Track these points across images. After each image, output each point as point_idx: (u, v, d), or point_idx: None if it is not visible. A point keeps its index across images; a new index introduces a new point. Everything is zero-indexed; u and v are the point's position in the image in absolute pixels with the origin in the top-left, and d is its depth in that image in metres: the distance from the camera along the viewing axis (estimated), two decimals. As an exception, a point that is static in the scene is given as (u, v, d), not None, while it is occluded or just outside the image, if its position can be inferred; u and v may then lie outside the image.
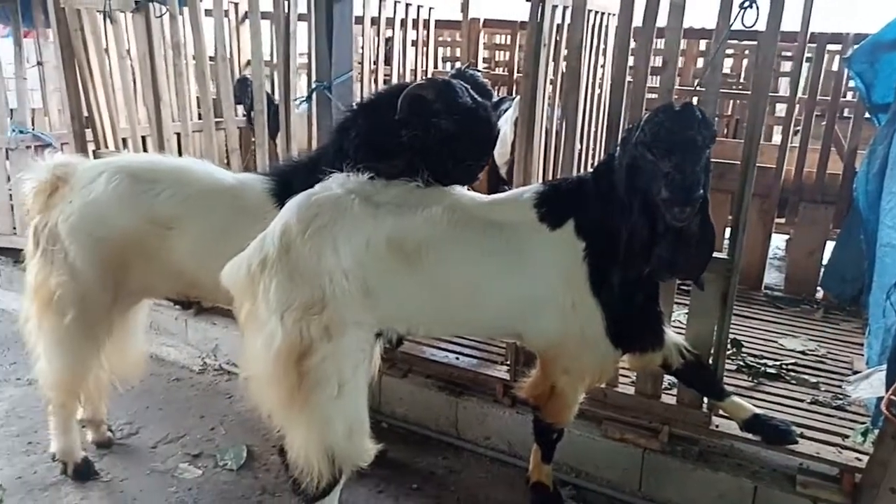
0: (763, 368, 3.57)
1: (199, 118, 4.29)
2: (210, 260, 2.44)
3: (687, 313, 2.94)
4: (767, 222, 4.82)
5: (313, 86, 3.34)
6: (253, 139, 5.13)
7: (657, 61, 3.67)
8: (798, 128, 5.32)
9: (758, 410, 2.79)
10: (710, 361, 2.87)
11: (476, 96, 2.54)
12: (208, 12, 4.39)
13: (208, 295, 2.83)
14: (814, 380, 3.51)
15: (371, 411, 2.47)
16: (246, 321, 2.37)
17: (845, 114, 5.83)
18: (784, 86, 7.68)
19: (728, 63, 8.30)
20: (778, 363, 3.66)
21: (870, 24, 4.61)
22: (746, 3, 2.46)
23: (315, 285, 2.25)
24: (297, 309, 2.24)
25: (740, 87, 8.05)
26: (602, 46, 4.17)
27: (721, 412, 2.93)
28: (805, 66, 5.21)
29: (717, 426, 2.94)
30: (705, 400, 2.93)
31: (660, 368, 2.76)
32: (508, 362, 3.35)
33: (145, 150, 4.32)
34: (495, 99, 4.85)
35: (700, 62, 8.31)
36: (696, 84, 2.94)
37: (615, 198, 2.26)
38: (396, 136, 2.47)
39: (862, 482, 2.64)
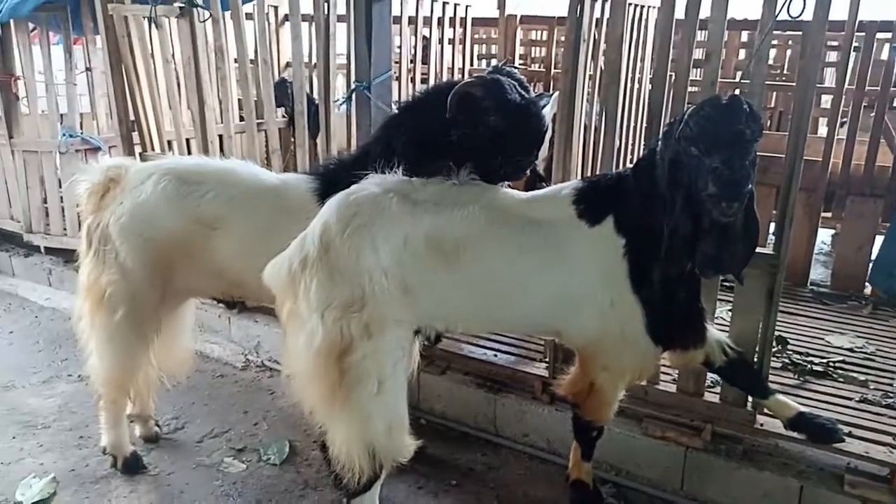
0: (809, 366, 3.49)
1: (241, 120, 4.36)
2: (254, 260, 2.48)
3: (731, 310, 2.90)
4: (813, 217, 4.71)
5: (352, 86, 3.37)
6: (293, 139, 5.22)
7: (698, 53, 3.62)
8: (844, 119, 5.18)
9: (803, 408, 2.73)
10: (756, 359, 2.82)
11: (524, 93, 2.54)
12: (248, 16, 4.47)
13: (252, 295, 2.87)
14: (862, 378, 3.42)
15: (410, 408, 2.49)
16: (287, 319, 2.41)
17: (895, 104, 5.65)
18: (829, 76, 7.49)
19: (772, 54, 8.12)
20: (825, 361, 3.57)
21: (921, 12, 4.48)
22: (792, -6, 2.40)
23: (355, 284, 2.27)
24: (337, 307, 2.27)
25: (784, 78, 7.88)
26: (642, 40, 4.12)
27: (766, 410, 2.88)
28: (852, 55, 5.06)
29: (761, 424, 2.89)
30: (749, 398, 2.88)
31: (702, 366, 2.72)
32: (547, 359, 3.34)
33: (189, 152, 4.42)
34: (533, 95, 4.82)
35: (742, 53, 8.16)
36: (738, 76, 2.89)
37: (657, 193, 2.23)
38: (445, 134, 2.49)
39: (914, 483, 2.57)
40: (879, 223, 4.70)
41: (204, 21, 3.88)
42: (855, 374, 3.46)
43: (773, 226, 3.00)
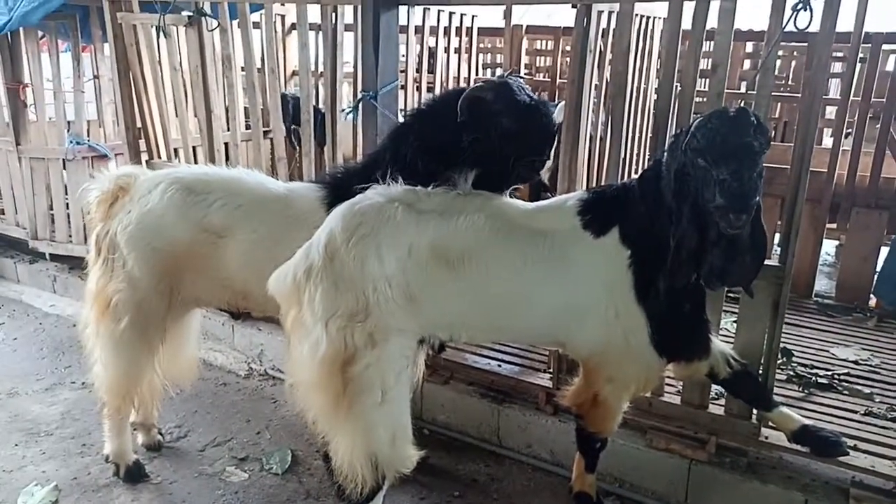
0: (814, 378, 3.48)
1: (248, 128, 4.37)
2: (261, 269, 2.49)
3: (736, 321, 2.89)
4: (819, 228, 4.70)
5: (359, 95, 3.38)
6: (296, 151, 5.24)
7: (704, 64, 3.62)
8: (849, 130, 5.17)
9: (807, 421, 2.70)
10: (761, 371, 2.81)
11: (533, 95, 2.56)
12: (255, 25, 4.49)
13: (258, 306, 2.86)
14: (867, 390, 3.40)
15: (412, 418, 2.49)
16: (292, 328, 2.42)
17: (900, 116, 5.64)
18: (834, 87, 7.49)
19: (777, 64, 8.12)
20: (830, 373, 3.56)
21: (927, 24, 4.48)
22: (800, 5, 2.40)
23: (359, 293, 2.28)
24: (341, 316, 2.28)
25: (789, 88, 7.88)
26: (648, 50, 4.13)
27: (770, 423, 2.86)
28: (858, 66, 5.06)
29: (766, 437, 2.88)
30: (754, 410, 2.86)
31: (706, 378, 2.71)
32: (551, 370, 3.33)
33: (196, 159, 4.43)
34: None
35: (747, 64, 8.17)
36: (744, 87, 2.89)
37: (662, 205, 2.23)
38: (456, 140, 2.51)
39: (920, 498, 2.56)
40: (885, 235, 4.69)
41: (212, 30, 3.90)
42: (860, 387, 3.44)
43: (777, 237, 2.98)
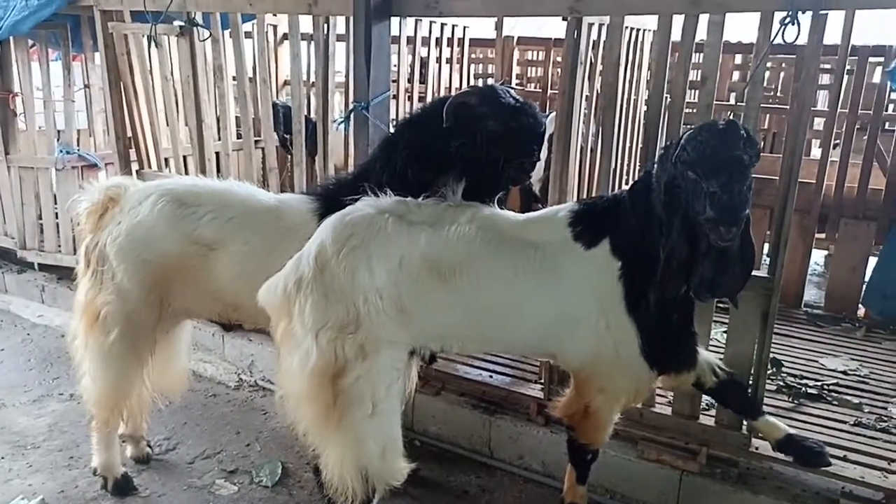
0: (804, 389, 3.50)
1: (239, 138, 4.37)
2: (253, 282, 2.47)
3: (726, 332, 2.90)
4: (807, 238, 4.73)
5: (351, 106, 3.39)
6: (288, 160, 5.24)
7: (693, 76, 3.65)
8: (837, 142, 5.22)
9: (792, 431, 2.69)
10: (751, 381, 2.82)
11: (518, 97, 2.57)
12: (247, 35, 4.50)
13: (249, 318, 2.84)
14: (856, 401, 3.42)
15: (404, 429, 2.49)
16: (282, 340, 2.41)
17: (887, 127, 5.70)
18: (822, 99, 7.56)
19: (765, 76, 8.19)
20: (819, 383, 3.58)
21: (912, 37, 4.53)
22: (787, 19, 2.43)
23: (350, 304, 2.28)
24: (331, 328, 2.28)
25: (777, 100, 7.95)
26: (638, 62, 4.16)
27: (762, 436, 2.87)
28: (845, 78, 5.11)
29: (756, 448, 2.88)
30: (745, 421, 2.87)
31: (693, 387, 2.72)
32: (542, 381, 3.33)
33: (187, 169, 4.42)
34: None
35: (735, 76, 8.24)
36: (732, 98, 2.92)
37: (653, 216, 2.24)
38: (445, 146, 2.51)
39: (910, 509, 2.57)
40: (873, 245, 4.72)
41: (204, 40, 3.90)
42: (849, 398, 3.46)
43: (766, 247, 3.00)
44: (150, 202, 2.73)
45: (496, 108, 2.49)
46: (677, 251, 2.16)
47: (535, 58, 8.57)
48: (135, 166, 4.45)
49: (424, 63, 5.53)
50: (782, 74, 8.36)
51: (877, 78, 6.49)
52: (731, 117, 2.40)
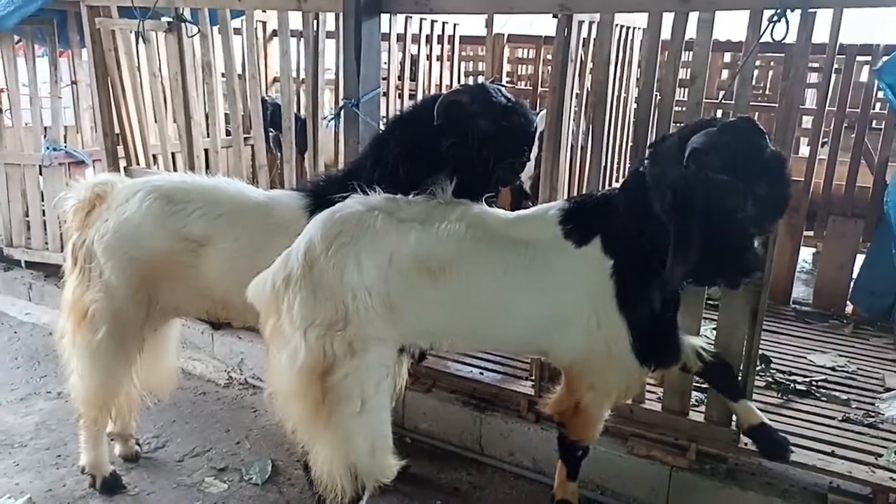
0: (792, 385, 3.52)
1: (228, 135, 4.35)
2: (242, 279, 2.46)
3: (715, 328, 2.91)
4: (796, 236, 4.76)
5: (341, 103, 3.38)
6: (277, 156, 5.21)
7: (682, 74, 3.66)
8: (825, 140, 5.25)
9: (766, 420, 2.72)
10: (740, 378, 2.83)
11: (510, 96, 2.57)
12: (236, 31, 4.47)
13: (238, 315, 2.82)
14: (844, 397, 3.45)
15: (394, 426, 2.48)
16: (271, 337, 2.40)
17: (874, 125, 5.74)
18: (810, 97, 7.60)
19: (754, 74, 8.23)
20: (807, 379, 3.60)
21: (900, 36, 4.56)
22: (776, 17, 2.44)
23: (338, 302, 2.27)
24: (320, 325, 2.27)
25: (766, 98, 7.98)
26: (628, 60, 4.17)
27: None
28: (833, 77, 5.14)
29: (745, 444, 2.89)
30: (734, 418, 2.89)
31: (681, 378, 2.74)
32: (533, 378, 3.34)
33: (175, 166, 4.39)
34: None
35: (724, 74, 8.27)
36: (720, 96, 2.93)
37: (649, 215, 2.23)
38: (436, 145, 2.51)
39: (897, 502, 2.59)
40: (860, 243, 4.76)
41: (192, 36, 3.88)
42: (837, 393, 3.48)
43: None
44: (137, 199, 2.71)
45: (487, 107, 2.49)
46: (692, 247, 2.12)
47: (525, 55, 8.57)
48: (123, 163, 4.42)
49: (415, 60, 5.52)
50: (770, 73, 8.40)
51: (864, 77, 6.55)
52: (721, 115, 2.40)
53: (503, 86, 2.73)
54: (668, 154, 2.18)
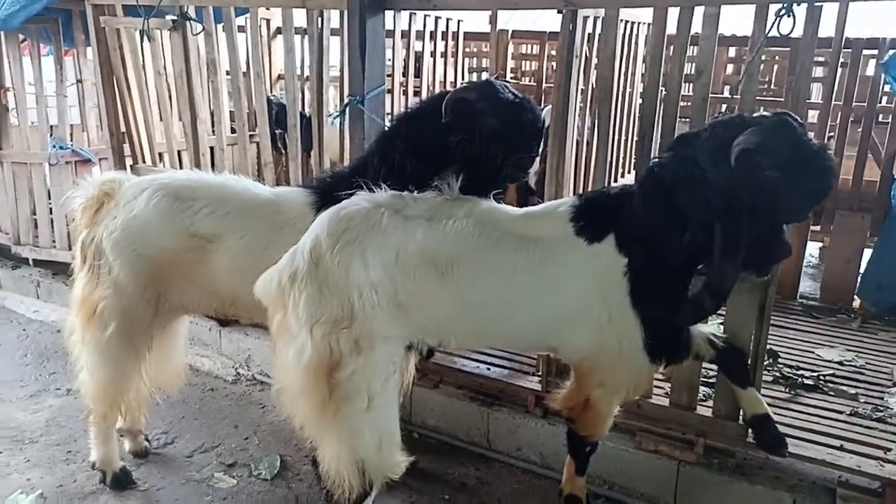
0: (800, 380, 3.51)
1: (233, 132, 4.35)
2: (250, 276, 2.46)
3: (723, 324, 2.91)
4: (802, 231, 4.74)
5: (346, 100, 3.38)
6: (281, 154, 5.21)
7: (687, 69, 3.65)
8: (831, 134, 5.24)
9: (771, 412, 2.72)
10: (747, 373, 2.83)
11: (517, 93, 2.57)
12: (241, 29, 4.48)
13: (246, 312, 2.83)
14: (852, 391, 3.44)
15: (401, 422, 2.49)
16: (277, 333, 2.41)
17: (881, 119, 5.73)
18: (816, 91, 7.58)
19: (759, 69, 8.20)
20: (815, 374, 3.59)
21: (906, 29, 4.55)
22: (783, 11, 2.43)
23: (344, 299, 2.26)
24: (325, 322, 2.26)
25: (771, 93, 7.96)
26: (633, 55, 4.16)
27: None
28: (839, 71, 5.13)
29: (754, 438, 2.89)
30: (742, 412, 2.89)
31: (693, 362, 2.76)
32: (540, 373, 3.34)
33: (181, 164, 4.40)
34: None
35: (729, 69, 8.25)
36: (727, 91, 2.93)
37: (671, 213, 2.23)
38: (444, 142, 2.51)
39: (906, 496, 2.58)
40: (867, 237, 4.74)
41: (197, 34, 3.88)
42: (845, 388, 3.47)
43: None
44: (145, 196, 2.72)
45: (495, 104, 2.49)
46: (742, 247, 2.13)
47: (529, 51, 8.56)
48: (129, 161, 4.43)
49: (419, 57, 5.51)
50: (776, 67, 8.37)
51: (871, 70, 6.53)
52: (726, 109, 2.40)
53: (507, 82, 2.73)
54: (704, 154, 2.17)
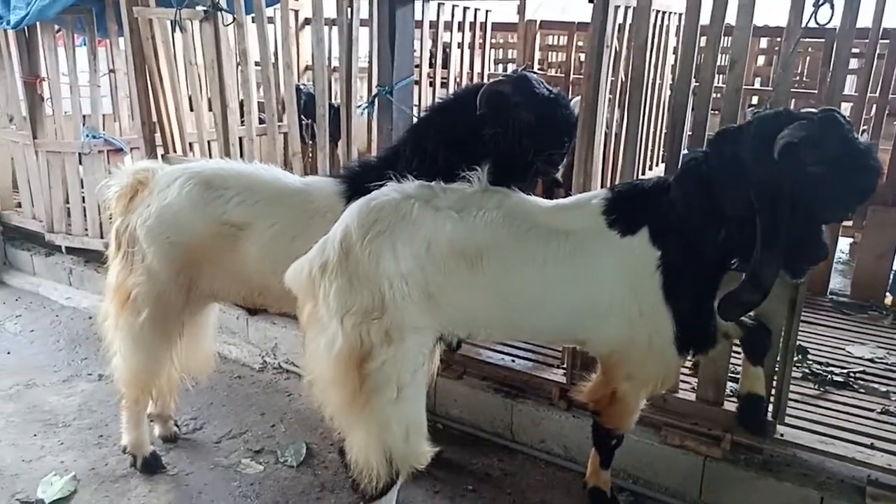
0: (830, 376, 3.47)
1: (262, 122, 4.39)
2: (280, 264, 2.48)
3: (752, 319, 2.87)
4: (834, 225, 4.66)
5: (375, 90, 3.39)
6: (308, 143, 5.25)
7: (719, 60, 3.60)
8: (865, 127, 5.13)
9: (764, 396, 2.71)
10: (776, 369, 2.80)
11: (551, 87, 2.56)
12: (270, 20, 4.50)
13: (276, 301, 2.86)
14: (884, 389, 3.39)
15: (426, 412, 2.49)
16: (308, 323, 2.42)
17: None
18: (850, 83, 7.42)
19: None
20: (845, 371, 3.55)
21: (946, 19, 4.44)
22: (822, 1, 2.38)
23: (374, 290, 2.27)
24: (356, 313, 2.27)
25: (804, 84, 7.82)
26: (664, 46, 4.11)
27: (788, 422, 2.86)
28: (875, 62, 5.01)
29: (781, 435, 2.87)
30: (769, 408, 2.86)
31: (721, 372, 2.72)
32: (565, 366, 3.34)
33: (211, 153, 4.45)
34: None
35: (760, 60, 8.11)
36: (757, 83, 2.88)
37: (707, 207, 2.22)
38: (477, 133, 2.51)
39: (938, 497, 2.55)
40: (901, 233, 4.65)
41: (228, 25, 3.92)
42: (876, 385, 3.43)
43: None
44: (178, 185, 2.76)
45: (530, 98, 2.49)
46: (783, 244, 2.11)
47: (557, 42, 8.49)
48: (160, 151, 4.49)
49: (446, 48, 5.50)
50: (808, 58, 8.21)
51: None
52: (757, 102, 2.36)
53: (534, 73, 2.72)
54: (747, 149, 2.14)
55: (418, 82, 4.94)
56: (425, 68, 5.06)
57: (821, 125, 2.05)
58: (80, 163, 5.11)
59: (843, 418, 3.07)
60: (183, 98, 4.41)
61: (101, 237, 5.04)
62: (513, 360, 3.53)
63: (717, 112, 2.96)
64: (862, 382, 3.46)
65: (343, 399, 2.35)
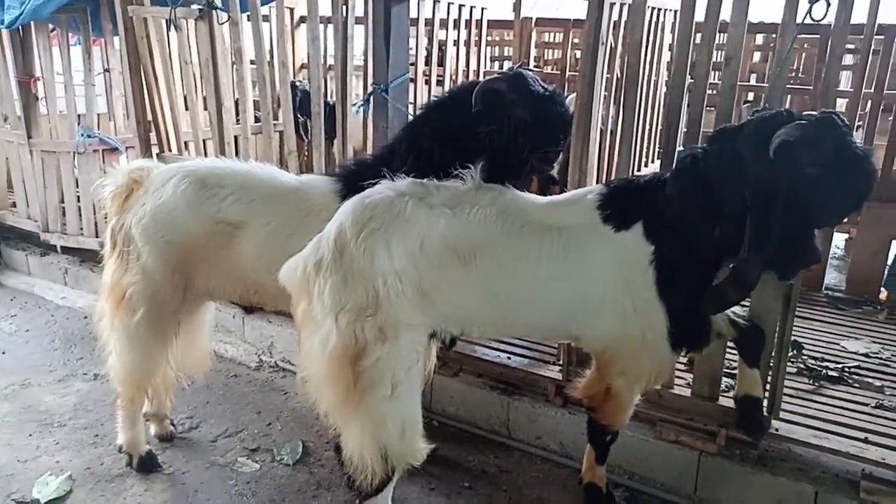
0: (824, 371, 3.48)
1: (258, 121, 4.39)
2: (276, 263, 2.48)
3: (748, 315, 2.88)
4: (829, 222, 4.68)
5: (370, 88, 3.39)
6: (304, 141, 5.24)
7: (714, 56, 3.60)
8: (860, 123, 5.14)
9: (761, 398, 2.73)
10: (771, 364, 2.81)
11: (546, 85, 2.56)
12: (265, 18, 4.49)
13: (272, 299, 2.86)
14: (878, 383, 3.40)
15: (422, 409, 2.50)
16: (302, 320, 2.43)
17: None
18: (845, 79, 7.43)
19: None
20: (840, 366, 3.55)
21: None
22: (816, -3, 2.39)
23: (369, 287, 2.28)
24: (350, 310, 2.28)
25: (798, 81, 7.83)
26: (659, 43, 4.12)
27: (783, 417, 2.87)
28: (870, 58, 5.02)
29: (776, 430, 2.88)
30: (765, 404, 2.87)
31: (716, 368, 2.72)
32: (560, 362, 3.34)
33: (206, 152, 4.45)
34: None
35: (756, 56, 8.12)
36: (753, 79, 2.89)
37: (702, 203, 2.22)
38: (472, 130, 2.51)
39: (932, 491, 2.56)
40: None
41: (223, 23, 3.91)
42: (870, 380, 3.44)
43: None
44: (173, 184, 2.75)
45: (525, 96, 2.49)
46: (773, 242, 2.12)
47: (552, 39, 8.48)
48: (155, 150, 4.48)
49: (442, 46, 5.50)
50: (804, 54, 8.22)
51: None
52: (753, 98, 2.37)
53: (530, 70, 2.73)
54: (746, 147, 2.14)
55: (414, 80, 4.94)
56: (421, 66, 5.06)
57: (818, 126, 2.06)
58: (76, 162, 5.10)
59: (838, 413, 3.08)
60: (178, 97, 4.41)
61: (97, 236, 5.04)
62: (509, 357, 3.53)
63: (712, 109, 2.97)
64: (856, 377, 3.46)
65: (337, 396, 2.35)
